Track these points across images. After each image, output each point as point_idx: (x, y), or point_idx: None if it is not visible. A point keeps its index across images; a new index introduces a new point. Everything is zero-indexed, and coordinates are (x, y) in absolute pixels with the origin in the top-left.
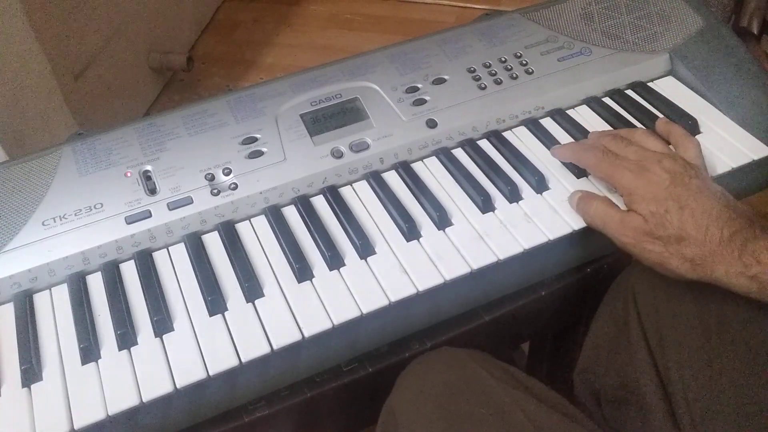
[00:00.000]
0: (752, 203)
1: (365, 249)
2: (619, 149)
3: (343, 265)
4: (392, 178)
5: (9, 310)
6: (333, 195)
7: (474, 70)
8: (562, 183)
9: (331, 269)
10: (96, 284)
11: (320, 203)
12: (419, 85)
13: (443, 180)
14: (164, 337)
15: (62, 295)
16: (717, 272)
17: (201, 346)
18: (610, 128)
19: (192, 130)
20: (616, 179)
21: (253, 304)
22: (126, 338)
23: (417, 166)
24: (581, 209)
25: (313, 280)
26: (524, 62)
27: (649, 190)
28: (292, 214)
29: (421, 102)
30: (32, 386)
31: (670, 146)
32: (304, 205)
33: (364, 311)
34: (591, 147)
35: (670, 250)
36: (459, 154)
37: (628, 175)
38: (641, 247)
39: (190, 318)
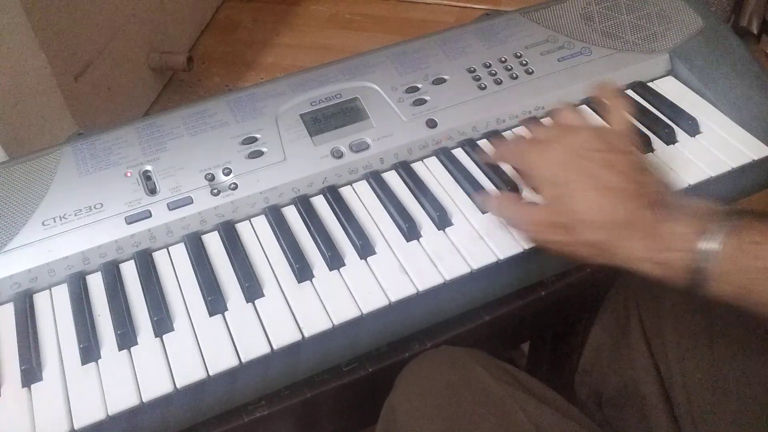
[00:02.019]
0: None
1: (365, 249)
2: (539, 131)
3: (343, 265)
4: (392, 178)
5: (9, 310)
6: (333, 195)
7: (474, 70)
8: None
9: (331, 269)
10: (96, 284)
11: (320, 203)
12: (419, 85)
13: (443, 180)
14: (164, 337)
15: (62, 295)
16: (623, 255)
17: (201, 346)
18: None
19: (192, 130)
20: (524, 164)
21: (253, 304)
22: (126, 338)
23: (417, 166)
24: (492, 210)
25: (313, 280)
26: (524, 62)
27: (549, 172)
28: (292, 214)
29: (421, 102)
30: (32, 386)
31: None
32: (304, 205)
33: (364, 311)
34: (506, 142)
35: (574, 237)
36: (459, 154)
37: (530, 157)
38: (544, 239)
39: (190, 318)
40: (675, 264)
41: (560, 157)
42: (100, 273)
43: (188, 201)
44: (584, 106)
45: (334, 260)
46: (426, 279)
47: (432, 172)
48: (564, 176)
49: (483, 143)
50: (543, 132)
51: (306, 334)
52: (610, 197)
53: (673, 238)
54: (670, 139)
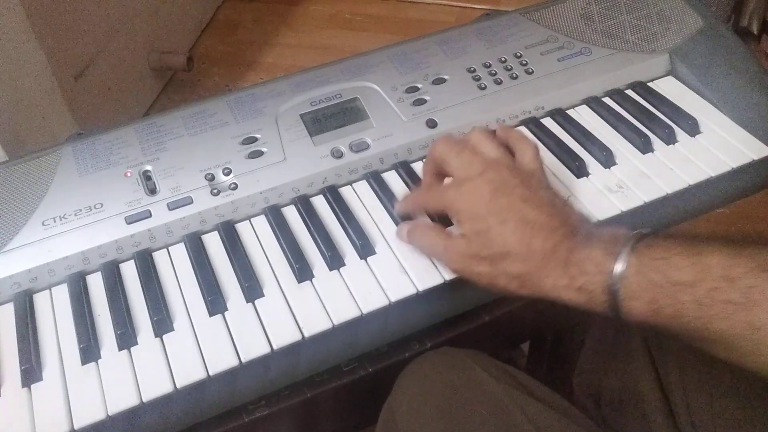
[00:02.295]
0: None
1: (365, 249)
2: (447, 158)
3: (343, 265)
4: (392, 178)
5: (9, 310)
6: (333, 195)
7: (474, 70)
8: (560, 181)
9: (331, 269)
10: (96, 284)
11: (320, 203)
12: (419, 85)
13: (443, 180)
14: (164, 337)
15: (62, 295)
16: (545, 286)
17: (201, 346)
18: (610, 128)
19: (192, 130)
20: (441, 202)
21: (253, 304)
22: (126, 338)
23: (417, 166)
24: (410, 242)
25: (313, 280)
26: (524, 62)
27: (470, 207)
28: (292, 214)
29: (421, 102)
30: (32, 386)
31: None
32: (304, 205)
33: (364, 311)
34: (415, 190)
35: (497, 269)
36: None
37: (450, 193)
38: (470, 271)
39: (190, 318)
40: (592, 288)
41: (479, 193)
42: (100, 273)
43: (188, 201)
44: (584, 106)
45: (334, 260)
46: (426, 279)
47: None
48: (484, 211)
49: None
50: (458, 164)
51: (306, 334)
52: (528, 230)
53: (586, 263)
54: (670, 139)
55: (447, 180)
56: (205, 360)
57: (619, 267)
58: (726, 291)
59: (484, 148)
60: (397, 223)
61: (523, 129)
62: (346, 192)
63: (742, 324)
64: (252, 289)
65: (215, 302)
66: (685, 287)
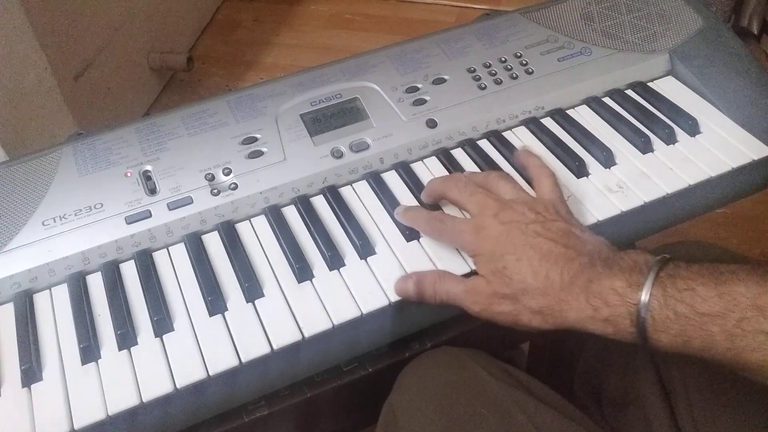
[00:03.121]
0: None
1: (365, 249)
2: (463, 200)
3: (343, 265)
4: (392, 178)
5: (9, 310)
6: (333, 195)
7: (474, 70)
8: (560, 181)
9: (331, 269)
10: (96, 284)
11: (320, 203)
12: (419, 85)
13: None
14: (164, 337)
15: (62, 295)
16: (569, 319)
17: (201, 346)
18: (610, 128)
19: (192, 130)
20: (457, 243)
21: (253, 304)
22: (126, 338)
23: (417, 166)
24: (422, 294)
25: (313, 280)
26: (524, 62)
27: (486, 248)
28: (292, 214)
29: (421, 102)
30: (32, 386)
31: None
32: (304, 205)
33: (364, 311)
34: (425, 215)
35: (518, 307)
36: (459, 154)
37: (467, 237)
38: (492, 311)
39: (190, 318)
40: (619, 320)
41: (494, 234)
42: (100, 273)
43: (188, 201)
44: (584, 106)
45: (334, 260)
46: None
47: (432, 172)
48: (500, 251)
49: (483, 143)
50: (472, 205)
51: (306, 334)
52: (543, 264)
53: (609, 294)
54: (670, 139)
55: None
56: (205, 360)
57: (643, 298)
58: (756, 321)
59: (499, 188)
60: (398, 225)
61: (523, 129)
62: (346, 192)
63: None
64: (252, 289)
65: (215, 302)
66: (714, 318)
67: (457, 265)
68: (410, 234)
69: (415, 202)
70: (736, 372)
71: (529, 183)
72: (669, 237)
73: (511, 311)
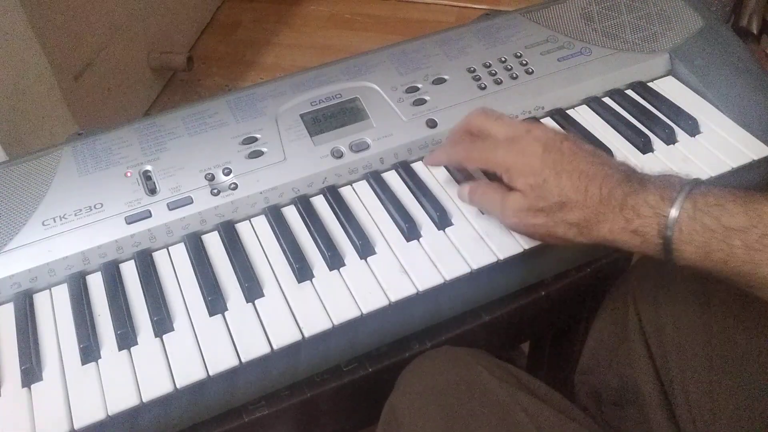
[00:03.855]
0: None
1: (365, 249)
2: (487, 125)
3: (343, 265)
4: (392, 178)
5: (9, 310)
6: (333, 195)
7: (474, 70)
8: None
9: (331, 269)
10: (96, 284)
11: (320, 203)
12: (419, 85)
13: (443, 180)
14: (164, 337)
15: (62, 295)
16: (602, 231)
17: (201, 346)
18: (610, 128)
19: (192, 130)
20: (491, 161)
21: (253, 304)
22: (126, 338)
23: (417, 166)
24: (471, 201)
25: (313, 280)
26: (524, 62)
27: (524, 163)
28: (292, 214)
29: (421, 102)
30: (32, 386)
31: None
32: (304, 205)
33: (364, 311)
34: (457, 141)
35: (554, 219)
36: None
37: (500, 153)
38: (526, 223)
39: (190, 318)
40: (647, 231)
41: (530, 149)
42: (100, 273)
43: (188, 201)
44: (584, 106)
45: (334, 260)
46: (426, 279)
47: (432, 172)
48: (538, 165)
49: None
50: (500, 128)
51: (306, 334)
52: (583, 179)
53: (642, 207)
54: (670, 139)
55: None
56: (205, 360)
57: (674, 211)
58: None
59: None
60: (397, 223)
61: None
62: (346, 192)
63: None
64: (252, 289)
65: (215, 302)
66: (737, 232)
67: (459, 266)
68: (410, 234)
69: (417, 204)
70: (749, 290)
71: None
72: None
73: (546, 223)
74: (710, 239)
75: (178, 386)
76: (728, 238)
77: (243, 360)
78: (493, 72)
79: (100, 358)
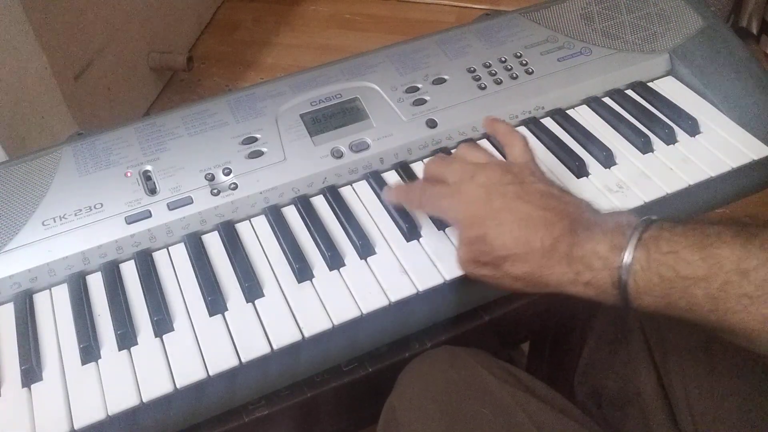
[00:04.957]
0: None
1: (365, 249)
2: (440, 171)
3: (343, 265)
4: (392, 178)
5: (9, 310)
6: (333, 195)
7: (474, 70)
8: (560, 181)
9: (331, 269)
10: (96, 284)
11: (320, 203)
12: (419, 85)
13: None
14: (164, 337)
15: (62, 295)
16: (550, 283)
17: (201, 346)
18: (610, 128)
19: (192, 130)
20: (437, 210)
21: (253, 304)
22: (126, 338)
23: (417, 167)
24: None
25: (313, 280)
26: (524, 62)
27: (466, 214)
28: (292, 214)
29: (421, 102)
30: (32, 386)
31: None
32: (304, 205)
33: (364, 311)
34: (410, 187)
35: (499, 272)
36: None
37: (445, 202)
38: (474, 274)
39: (190, 318)
40: (601, 283)
41: (472, 197)
42: (100, 273)
43: (188, 201)
44: (584, 106)
45: (334, 260)
46: (426, 279)
47: None
48: (480, 215)
49: (483, 143)
50: (450, 173)
51: (306, 334)
52: (524, 229)
53: (592, 258)
54: (670, 139)
55: None
56: (205, 360)
57: (626, 261)
58: (740, 285)
59: (471, 156)
60: (397, 223)
61: (523, 129)
62: (346, 192)
63: (760, 317)
64: (252, 289)
65: (215, 302)
66: (698, 281)
67: (456, 262)
68: (410, 234)
69: None
70: (719, 335)
71: (501, 151)
72: None
73: (493, 275)
74: (669, 290)
75: (178, 386)
76: (689, 288)
77: (243, 360)
78: (493, 72)
79: (100, 358)
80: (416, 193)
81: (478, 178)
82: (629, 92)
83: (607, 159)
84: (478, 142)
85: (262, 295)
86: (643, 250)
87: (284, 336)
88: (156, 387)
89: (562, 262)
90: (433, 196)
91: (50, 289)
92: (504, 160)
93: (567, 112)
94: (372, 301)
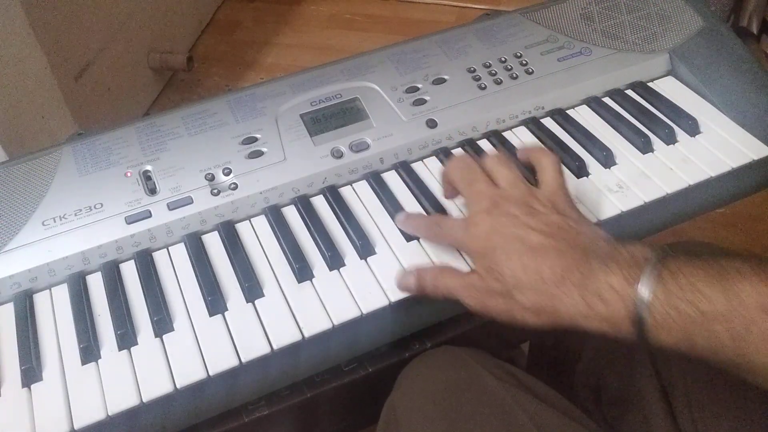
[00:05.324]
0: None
1: (365, 249)
2: (462, 188)
3: (343, 265)
4: (392, 178)
5: (9, 310)
6: (333, 195)
7: (474, 70)
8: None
9: (331, 269)
10: (96, 284)
11: (320, 203)
12: (419, 85)
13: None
14: (164, 337)
15: (62, 295)
16: (562, 316)
17: (201, 346)
18: (610, 128)
19: (192, 130)
20: (453, 243)
21: (253, 304)
22: (126, 338)
23: (417, 166)
24: (423, 289)
25: (313, 280)
26: (524, 62)
27: (478, 245)
28: (292, 214)
29: (421, 102)
30: (32, 386)
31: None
32: (304, 205)
33: (364, 311)
34: (424, 219)
35: (510, 303)
36: (459, 154)
37: (458, 235)
38: (486, 307)
39: (190, 318)
40: (615, 316)
41: (485, 229)
42: (100, 273)
43: (188, 201)
44: (584, 106)
45: (334, 260)
46: None
47: (432, 172)
48: (491, 245)
49: (483, 143)
50: (472, 196)
51: (306, 334)
52: (534, 259)
53: (606, 291)
54: (670, 139)
55: None
56: (205, 360)
57: (643, 295)
58: (764, 323)
59: (498, 173)
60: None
61: (523, 129)
62: (346, 192)
63: None
64: (252, 289)
65: (215, 302)
66: (718, 318)
67: (458, 265)
68: (410, 234)
69: (417, 204)
70: (741, 375)
71: (533, 173)
72: (669, 237)
73: (505, 307)
74: (689, 327)
75: (178, 386)
76: (709, 324)
77: (243, 360)
78: (493, 72)
79: (100, 358)
80: (432, 228)
81: (492, 212)
82: (629, 92)
83: (607, 159)
84: (477, 142)
85: (262, 295)
86: (660, 283)
87: (284, 336)
88: (156, 387)
89: (573, 292)
90: (448, 231)
91: (50, 289)
92: (528, 186)
93: (567, 112)
94: (372, 301)
